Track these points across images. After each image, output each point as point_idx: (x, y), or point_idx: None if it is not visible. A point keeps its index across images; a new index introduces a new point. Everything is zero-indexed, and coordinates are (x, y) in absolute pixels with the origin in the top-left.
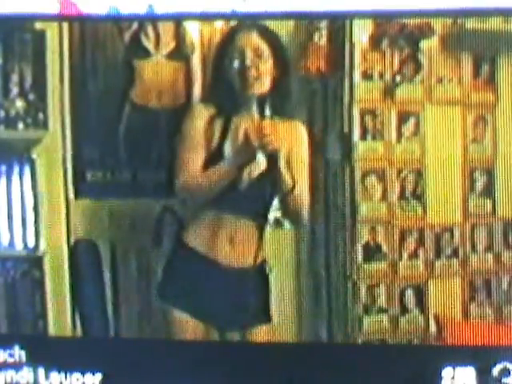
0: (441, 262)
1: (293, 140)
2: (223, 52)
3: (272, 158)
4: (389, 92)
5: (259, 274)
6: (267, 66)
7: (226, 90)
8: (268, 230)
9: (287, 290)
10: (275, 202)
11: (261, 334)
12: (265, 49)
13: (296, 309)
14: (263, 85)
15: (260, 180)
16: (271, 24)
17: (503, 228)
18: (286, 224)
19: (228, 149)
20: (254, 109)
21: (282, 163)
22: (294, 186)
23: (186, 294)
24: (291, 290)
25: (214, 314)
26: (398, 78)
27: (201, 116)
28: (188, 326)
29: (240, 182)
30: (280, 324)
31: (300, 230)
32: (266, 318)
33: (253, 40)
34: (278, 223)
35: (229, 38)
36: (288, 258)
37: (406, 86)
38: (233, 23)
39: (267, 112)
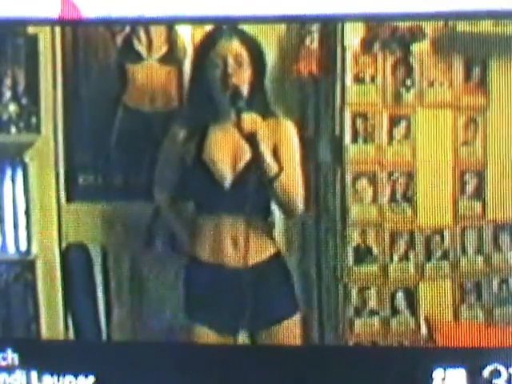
0: (431, 264)
1: (280, 135)
2: (204, 58)
3: (256, 146)
4: (380, 95)
5: (272, 270)
6: (246, 75)
7: (204, 97)
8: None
9: None
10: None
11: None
12: (245, 56)
13: None
14: (242, 93)
15: (250, 174)
16: (250, 29)
17: (493, 230)
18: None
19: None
20: (233, 115)
21: (263, 147)
22: (279, 173)
23: (205, 307)
24: None
25: (229, 322)
26: (389, 81)
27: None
28: (205, 337)
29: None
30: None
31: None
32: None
33: (234, 47)
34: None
35: (210, 45)
36: None
37: (397, 90)
38: (213, 29)
39: (246, 108)
